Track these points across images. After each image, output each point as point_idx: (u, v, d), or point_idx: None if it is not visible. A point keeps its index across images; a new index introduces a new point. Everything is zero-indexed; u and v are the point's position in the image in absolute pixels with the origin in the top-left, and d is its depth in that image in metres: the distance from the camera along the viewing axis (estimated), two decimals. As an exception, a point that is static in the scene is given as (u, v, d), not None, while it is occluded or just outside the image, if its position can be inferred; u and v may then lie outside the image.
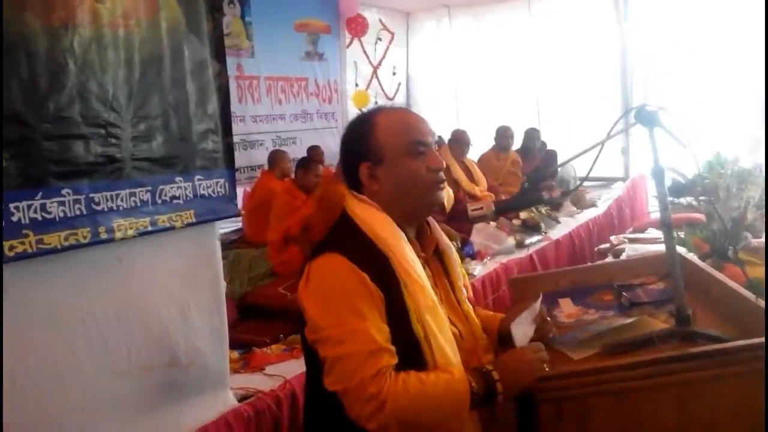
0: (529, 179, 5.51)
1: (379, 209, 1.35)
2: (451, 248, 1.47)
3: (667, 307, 1.52)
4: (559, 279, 1.91)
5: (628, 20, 6.76)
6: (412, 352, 1.25)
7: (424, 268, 1.34)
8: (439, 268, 1.43)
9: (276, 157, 5.32)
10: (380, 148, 1.35)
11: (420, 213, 1.41)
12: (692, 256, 3.25)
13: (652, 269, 1.80)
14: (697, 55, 6.50)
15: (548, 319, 1.52)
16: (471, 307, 1.48)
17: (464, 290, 1.46)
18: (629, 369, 1.24)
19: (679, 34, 6.63)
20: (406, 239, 1.34)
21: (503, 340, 1.53)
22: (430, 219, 1.47)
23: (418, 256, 1.34)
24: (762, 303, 1.38)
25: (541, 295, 1.55)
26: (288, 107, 6.56)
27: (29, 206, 1.61)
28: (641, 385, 1.23)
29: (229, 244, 4.85)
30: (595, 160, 1.44)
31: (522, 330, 1.41)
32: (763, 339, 1.24)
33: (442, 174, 1.37)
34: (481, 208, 1.46)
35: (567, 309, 1.72)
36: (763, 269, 2.92)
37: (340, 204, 1.38)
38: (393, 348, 1.23)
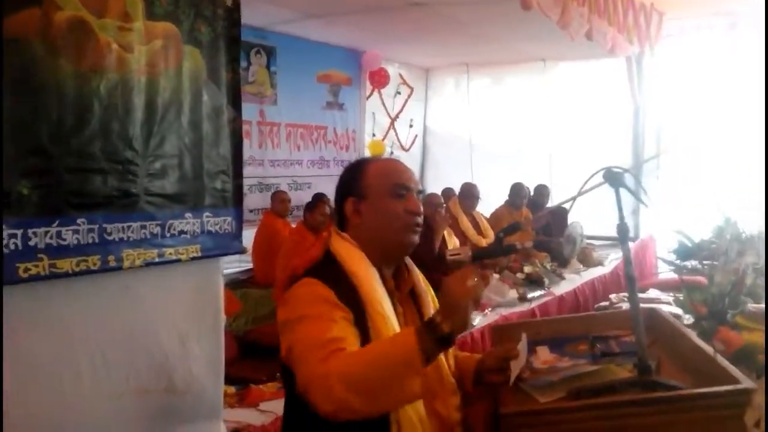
0: (539, 233, 5.62)
1: (356, 246, 1.47)
2: (426, 292, 1.58)
3: (635, 357, 1.60)
4: (540, 328, 1.99)
5: (641, 80, 6.94)
6: None
7: (395, 305, 1.44)
8: (413, 309, 1.54)
9: (271, 197, 5.64)
10: (366, 186, 1.50)
11: (395, 251, 1.52)
12: (685, 315, 3.29)
13: (628, 323, 1.88)
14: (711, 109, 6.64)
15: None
16: None
17: None
18: (586, 410, 1.32)
19: (693, 90, 6.80)
20: (378, 276, 1.45)
21: (479, 379, 1.62)
22: (409, 262, 1.58)
23: (392, 294, 1.45)
24: (720, 359, 1.47)
25: (524, 335, 1.65)
26: (306, 153, 6.80)
27: (46, 233, 1.75)
28: (597, 426, 1.31)
29: (238, 283, 4.99)
30: (570, 207, 1.55)
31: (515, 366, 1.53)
32: (715, 389, 1.32)
33: (419, 219, 1.49)
34: (459, 254, 1.56)
35: (543, 356, 1.79)
36: (759, 335, 2.96)
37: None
38: (350, 338, 1.28)
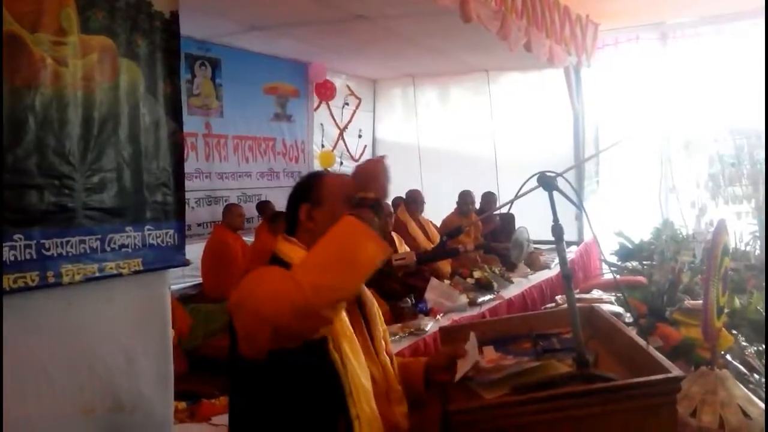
0: (487, 239, 5.73)
1: (303, 248, 1.50)
2: (373, 302, 1.61)
3: (574, 353, 1.66)
4: (486, 329, 2.03)
5: (579, 88, 7.20)
6: (329, 376, 1.36)
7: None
8: (359, 317, 1.57)
9: (225, 211, 5.54)
10: (321, 194, 1.56)
11: None
12: (626, 314, 3.41)
13: (568, 321, 1.94)
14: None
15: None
16: (388, 360, 1.61)
17: (383, 343, 1.59)
18: (528, 404, 1.36)
19: (628, 95, 7.11)
20: None
21: (428, 379, 1.66)
22: None
23: None
24: (652, 351, 1.54)
25: (473, 335, 1.69)
26: (255, 165, 6.74)
27: (-19, 249, 1.71)
28: (537, 419, 1.35)
29: (187, 298, 4.91)
30: (509, 210, 1.60)
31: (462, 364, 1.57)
32: (647, 378, 1.39)
33: None
34: (404, 258, 1.60)
35: (489, 355, 1.84)
36: (695, 330, 3.09)
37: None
38: None
